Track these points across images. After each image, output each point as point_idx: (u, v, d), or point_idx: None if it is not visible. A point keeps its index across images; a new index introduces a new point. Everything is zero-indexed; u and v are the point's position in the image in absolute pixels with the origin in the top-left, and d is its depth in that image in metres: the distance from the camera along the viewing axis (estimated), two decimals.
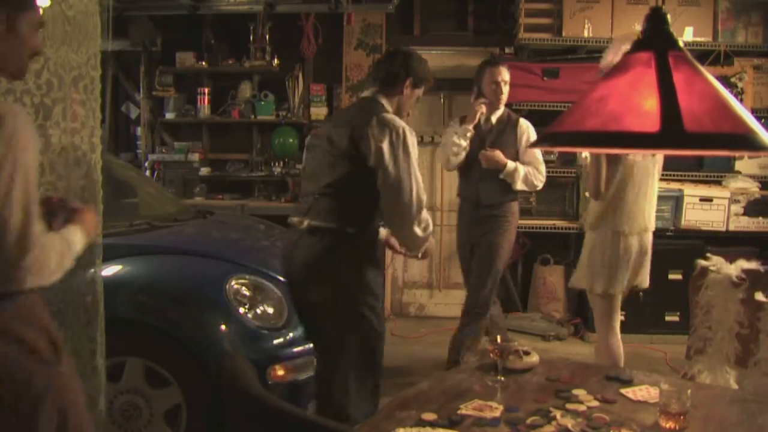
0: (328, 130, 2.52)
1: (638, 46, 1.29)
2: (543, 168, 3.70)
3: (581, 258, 3.20)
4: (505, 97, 3.70)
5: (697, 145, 1.18)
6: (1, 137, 1.41)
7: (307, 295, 2.43)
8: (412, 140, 2.38)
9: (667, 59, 1.22)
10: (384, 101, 2.51)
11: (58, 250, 1.52)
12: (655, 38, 1.28)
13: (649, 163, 3.09)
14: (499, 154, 3.59)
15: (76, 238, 1.61)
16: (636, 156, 3.03)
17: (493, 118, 3.72)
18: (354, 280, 2.36)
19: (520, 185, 3.66)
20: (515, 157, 3.66)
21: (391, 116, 2.41)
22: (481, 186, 3.69)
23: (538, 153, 3.68)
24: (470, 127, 3.64)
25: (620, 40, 3.26)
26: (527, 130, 3.72)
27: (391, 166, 2.33)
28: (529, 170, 3.65)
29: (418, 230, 2.38)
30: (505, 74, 3.67)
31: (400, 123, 2.39)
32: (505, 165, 3.59)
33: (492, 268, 3.68)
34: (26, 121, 1.49)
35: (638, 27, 1.34)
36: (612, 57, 3.17)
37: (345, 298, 2.35)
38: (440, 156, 3.81)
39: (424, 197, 2.41)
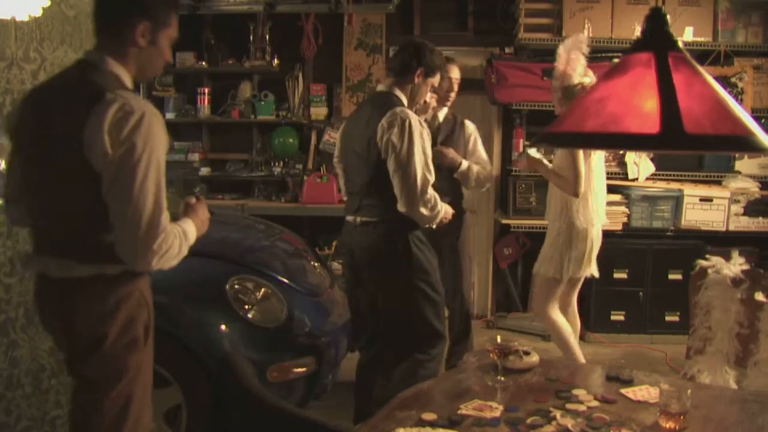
0: (351, 135, 2.83)
1: (638, 46, 1.29)
2: (490, 169, 3.62)
3: (544, 248, 3.50)
4: (454, 96, 3.59)
5: (696, 146, 1.18)
6: (140, 133, 1.62)
7: (369, 277, 2.79)
8: (418, 128, 2.64)
9: (667, 60, 1.22)
10: (398, 92, 2.78)
11: (179, 239, 1.75)
12: (655, 39, 1.27)
13: (602, 160, 3.48)
14: (454, 152, 3.48)
15: (190, 229, 1.84)
16: (595, 154, 3.34)
17: (440, 117, 3.59)
18: (405, 259, 2.71)
19: (473, 184, 3.58)
20: (463, 158, 3.55)
21: (399, 109, 2.67)
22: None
23: (485, 154, 3.63)
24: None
25: (568, 50, 3.44)
26: (474, 132, 3.63)
27: (398, 153, 2.61)
28: (479, 169, 3.54)
29: (424, 210, 2.66)
30: (457, 72, 3.57)
31: (407, 114, 2.65)
32: (460, 164, 3.48)
33: (464, 271, 3.73)
34: (159, 119, 1.69)
35: (638, 27, 1.34)
36: (563, 67, 3.43)
37: (401, 277, 2.71)
38: None
39: (431, 179, 2.67)
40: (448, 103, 3.59)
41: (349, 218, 2.85)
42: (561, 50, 3.45)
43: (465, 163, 3.49)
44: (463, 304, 3.70)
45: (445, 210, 2.77)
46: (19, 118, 1.81)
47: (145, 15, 1.76)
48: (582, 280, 3.54)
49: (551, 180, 3.49)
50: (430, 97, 3.40)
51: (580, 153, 3.29)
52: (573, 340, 3.50)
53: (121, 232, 1.66)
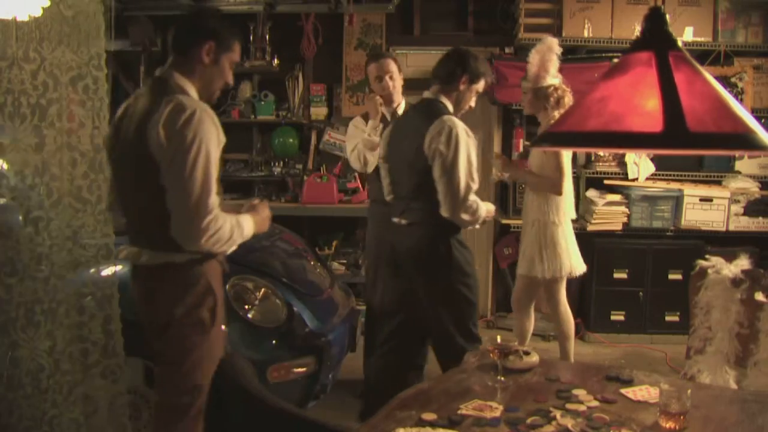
0: (398, 140, 2.93)
1: (638, 46, 1.29)
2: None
3: (526, 248, 3.66)
4: (396, 90, 3.52)
5: (700, 145, 1.18)
6: (191, 125, 1.87)
7: (410, 276, 2.88)
8: (464, 137, 2.73)
9: (668, 59, 1.22)
10: (444, 99, 2.88)
11: (230, 225, 1.96)
12: (655, 38, 1.27)
13: (569, 158, 3.62)
14: None
15: (246, 223, 2.04)
16: (569, 154, 3.51)
17: (399, 112, 3.52)
18: (446, 261, 2.80)
19: None
20: None
21: (446, 117, 2.77)
22: None
23: None
24: (377, 121, 3.48)
25: (541, 53, 3.58)
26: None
27: (444, 161, 2.70)
28: None
29: (465, 216, 2.76)
30: (388, 66, 3.48)
31: (454, 122, 2.75)
32: None
33: None
34: (210, 114, 1.94)
35: (638, 27, 1.33)
36: (536, 69, 3.59)
37: (441, 279, 2.80)
38: (354, 160, 3.54)
39: (474, 186, 2.77)
40: (395, 98, 3.53)
41: (395, 219, 2.95)
42: (534, 53, 3.60)
43: None
44: None
45: (486, 210, 2.85)
46: (109, 133, 2.14)
47: (211, 36, 2.03)
48: (565, 278, 3.62)
49: (532, 181, 3.61)
50: (370, 98, 3.51)
51: (564, 152, 3.44)
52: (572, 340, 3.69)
53: (174, 214, 1.90)
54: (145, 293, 2.03)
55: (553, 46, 3.55)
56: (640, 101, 1.18)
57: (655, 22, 1.29)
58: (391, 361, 2.97)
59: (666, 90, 1.17)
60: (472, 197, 2.76)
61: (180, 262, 1.96)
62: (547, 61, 3.56)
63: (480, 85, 2.94)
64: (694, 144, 1.17)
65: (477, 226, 2.88)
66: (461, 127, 2.74)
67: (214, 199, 1.91)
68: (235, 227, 1.98)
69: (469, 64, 2.88)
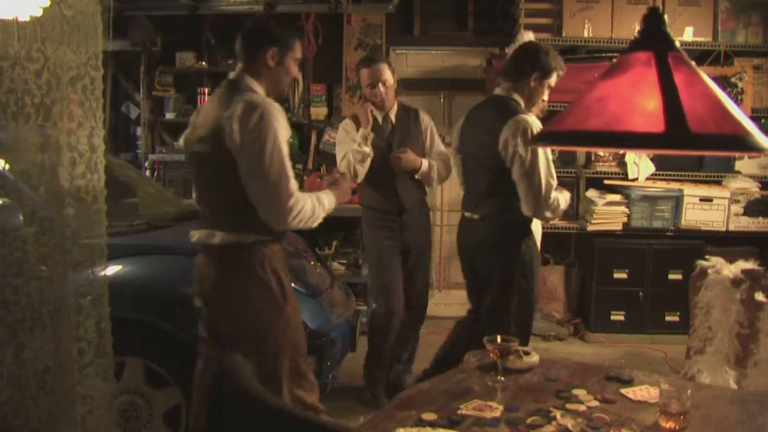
0: (470, 136, 3.01)
1: (637, 46, 1.29)
2: (449, 158, 3.47)
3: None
4: (389, 96, 3.42)
5: (701, 146, 1.18)
6: (263, 121, 2.12)
7: (480, 266, 3.00)
8: None
9: (667, 60, 1.22)
10: (516, 96, 2.90)
11: (311, 203, 2.23)
12: (654, 38, 1.27)
13: None
14: (412, 155, 3.37)
15: (327, 198, 2.32)
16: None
17: (392, 116, 3.47)
18: (514, 257, 2.89)
19: (434, 183, 3.54)
20: (423, 153, 3.47)
21: (521, 117, 2.79)
22: (402, 189, 3.44)
23: (442, 145, 3.60)
24: (368, 130, 3.37)
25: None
26: (429, 123, 3.55)
27: (523, 163, 2.75)
28: (440, 165, 3.47)
29: (548, 213, 2.83)
30: (382, 73, 3.36)
31: (528, 122, 2.77)
32: (420, 165, 3.40)
33: (430, 274, 3.89)
34: (279, 112, 2.18)
35: (638, 27, 1.33)
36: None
37: (507, 273, 2.89)
38: (344, 168, 3.40)
39: (554, 183, 2.82)
40: (388, 105, 3.45)
41: (467, 214, 3.05)
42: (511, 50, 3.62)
43: (425, 164, 3.42)
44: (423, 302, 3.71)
45: (565, 201, 2.92)
46: (187, 131, 2.38)
47: (274, 42, 2.29)
48: None
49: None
50: (363, 106, 3.43)
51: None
52: None
53: (261, 202, 2.16)
54: (218, 272, 2.24)
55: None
56: (640, 101, 1.18)
57: (653, 22, 1.29)
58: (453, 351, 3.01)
59: (666, 90, 1.17)
60: (554, 194, 2.81)
61: (247, 243, 2.21)
62: None
63: (552, 80, 2.92)
64: (695, 145, 1.17)
65: (557, 220, 3.01)
66: (536, 126, 2.77)
67: (293, 183, 2.17)
68: (316, 204, 2.25)
69: (539, 60, 2.85)
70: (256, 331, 2.22)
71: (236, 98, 2.16)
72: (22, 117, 2.18)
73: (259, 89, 2.27)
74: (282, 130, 2.16)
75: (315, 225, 2.30)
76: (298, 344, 2.33)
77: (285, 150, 2.16)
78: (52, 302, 2.30)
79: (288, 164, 2.17)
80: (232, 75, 2.32)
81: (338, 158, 3.48)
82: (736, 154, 4.45)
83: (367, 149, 3.35)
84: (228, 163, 2.15)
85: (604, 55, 4.67)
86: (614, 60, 4.48)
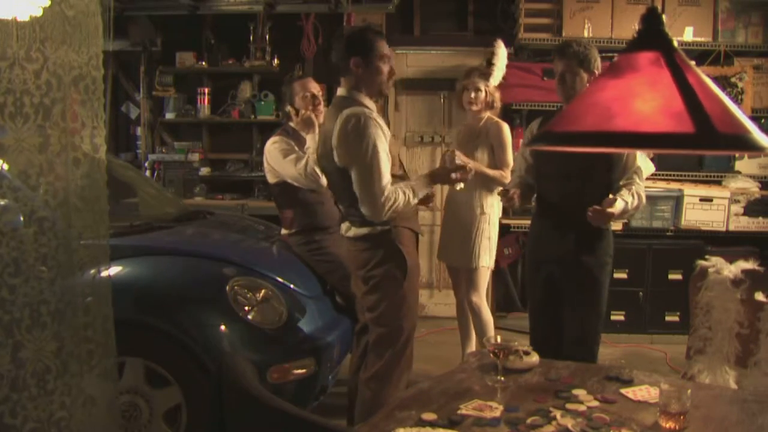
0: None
1: (641, 45, 1.27)
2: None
3: (480, 241, 3.68)
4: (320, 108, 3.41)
5: (731, 146, 1.17)
6: (359, 125, 2.48)
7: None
8: None
9: (676, 60, 1.21)
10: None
11: (402, 195, 2.53)
12: (658, 38, 1.26)
13: None
14: None
15: (418, 185, 2.62)
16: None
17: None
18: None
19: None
20: None
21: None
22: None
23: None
24: (317, 135, 3.12)
25: (501, 54, 3.98)
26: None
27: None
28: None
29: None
30: (313, 85, 3.55)
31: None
32: None
33: None
34: (372, 117, 2.53)
35: (636, 27, 1.32)
36: (499, 75, 3.92)
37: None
38: (308, 181, 3.22)
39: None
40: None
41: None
42: (498, 59, 3.97)
43: None
44: None
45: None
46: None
47: (354, 53, 2.56)
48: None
49: (488, 176, 3.66)
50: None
51: (510, 147, 3.69)
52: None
53: (360, 199, 2.53)
54: (353, 258, 2.69)
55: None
56: (663, 102, 1.16)
57: (654, 22, 1.28)
58: None
59: (685, 91, 1.15)
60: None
61: (374, 233, 2.60)
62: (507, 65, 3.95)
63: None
64: (726, 145, 1.15)
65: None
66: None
67: (386, 180, 2.50)
68: (409, 194, 2.55)
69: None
70: (381, 302, 2.63)
71: (342, 112, 2.52)
72: (20, 117, 2.18)
73: (362, 98, 2.59)
74: (379, 134, 2.49)
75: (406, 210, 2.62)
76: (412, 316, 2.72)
77: (382, 151, 2.48)
78: (54, 302, 2.29)
79: (383, 164, 2.49)
80: (339, 91, 2.65)
81: (292, 174, 3.26)
82: (736, 154, 4.47)
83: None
84: (335, 167, 2.58)
85: (604, 55, 4.66)
86: (615, 59, 4.47)
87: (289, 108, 3.47)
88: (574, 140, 1.30)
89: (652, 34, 1.27)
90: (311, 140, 3.31)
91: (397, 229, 2.62)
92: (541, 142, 1.42)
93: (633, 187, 2.79)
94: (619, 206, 2.68)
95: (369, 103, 2.62)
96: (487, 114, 3.76)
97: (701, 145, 1.16)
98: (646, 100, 1.18)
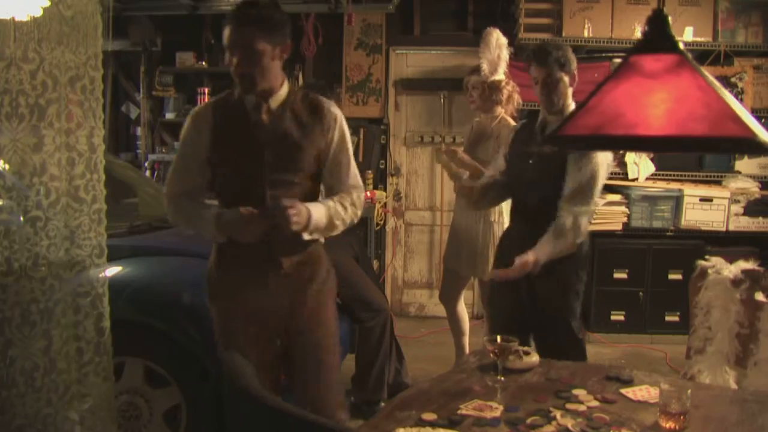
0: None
1: (658, 47, 1.25)
2: None
3: (483, 250, 3.55)
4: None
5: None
6: (339, 126, 2.35)
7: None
8: None
9: (695, 63, 1.20)
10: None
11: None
12: (669, 42, 1.25)
13: None
14: None
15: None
16: None
17: None
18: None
19: None
20: None
21: None
22: None
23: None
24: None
25: (492, 48, 3.59)
26: None
27: None
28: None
29: None
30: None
31: None
32: None
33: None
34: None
35: (638, 27, 1.32)
36: (491, 63, 3.58)
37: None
38: None
39: None
40: None
41: None
42: (484, 46, 3.60)
43: None
44: None
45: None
46: None
47: None
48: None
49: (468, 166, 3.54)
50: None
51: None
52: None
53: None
54: None
55: (502, 39, 3.60)
56: (718, 105, 1.14)
57: (662, 25, 1.27)
58: None
59: (724, 94, 1.15)
60: None
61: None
62: (501, 57, 3.58)
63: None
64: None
65: None
66: None
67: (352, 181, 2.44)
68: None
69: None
70: None
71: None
72: (16, 117, 2.18)
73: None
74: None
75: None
76: None
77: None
78: (44, 301, 2.30)
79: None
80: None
81: None
82: (736, 154, 4.46)
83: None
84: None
85: (604, 55, 4.67)
86: (615, 60, 4.41)
87: None
88: (643, 145, 1.27)
89: (668, 37, 1.26)
90: None
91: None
92: (607, 146, 1.37)
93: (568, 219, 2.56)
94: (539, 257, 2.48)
95: None
96: (501, 113, 3.58)
97: (763, 149, 1.14)
98: (704, 104, 1.14)
